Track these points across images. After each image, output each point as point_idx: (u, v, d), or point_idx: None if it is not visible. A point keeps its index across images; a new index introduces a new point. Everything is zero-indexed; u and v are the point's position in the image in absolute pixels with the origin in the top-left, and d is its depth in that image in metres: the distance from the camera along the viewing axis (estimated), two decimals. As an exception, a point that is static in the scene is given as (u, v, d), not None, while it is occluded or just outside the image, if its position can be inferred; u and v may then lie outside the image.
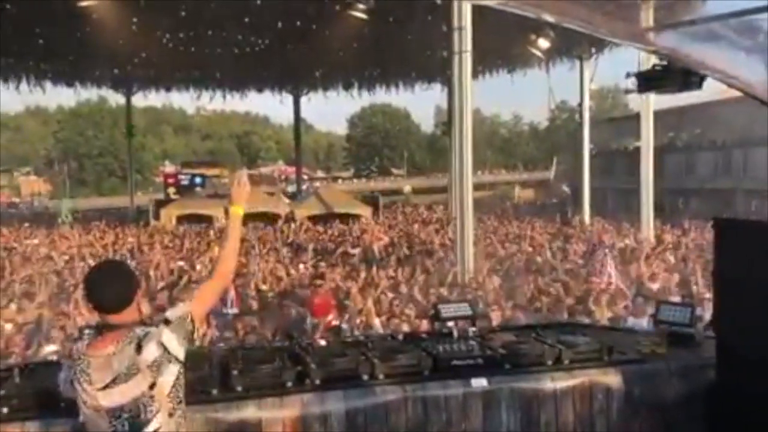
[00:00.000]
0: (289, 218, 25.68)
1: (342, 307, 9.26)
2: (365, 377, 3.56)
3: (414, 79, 33.25)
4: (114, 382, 2.52)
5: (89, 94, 38.82)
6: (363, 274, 11.80)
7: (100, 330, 2.62)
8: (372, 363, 3.59)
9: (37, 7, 18.24)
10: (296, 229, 21.78)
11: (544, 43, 21.59)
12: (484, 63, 25.51)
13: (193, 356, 3.78)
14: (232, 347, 4.29)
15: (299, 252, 15.58)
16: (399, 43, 23.73)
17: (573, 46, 24.37)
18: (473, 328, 4.23)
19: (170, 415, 2.60)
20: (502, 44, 22.33)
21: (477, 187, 17.91)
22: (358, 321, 8.37)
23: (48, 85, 30.07)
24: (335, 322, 8.36)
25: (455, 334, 4.12)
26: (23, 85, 28.98)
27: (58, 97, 77.99)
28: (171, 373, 2.59)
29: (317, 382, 3.49)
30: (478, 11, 12.78)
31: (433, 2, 17.40)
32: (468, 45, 12.84)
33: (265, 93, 35.50)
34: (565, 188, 34.99)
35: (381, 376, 3.57)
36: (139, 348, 2.53)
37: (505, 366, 3.76)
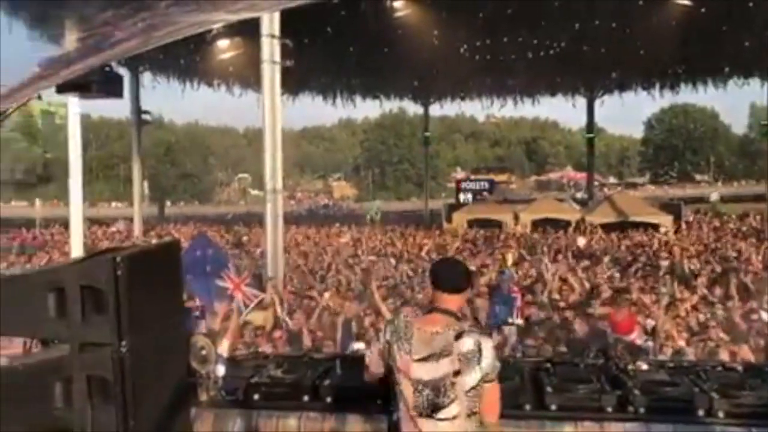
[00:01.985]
0: (580, 226, 24.70)
1: (644, 324, 8.47)
2: (701, 413, 3.08)
3: (726, 75, 29.70)
4: (429, 357, 2.76)
5: (391, 105, 42.01)
6: (666, 290, 10.74)
7: (431, 311, 2.90)
8: (710, 397, 3.09)
9: (352, 28, 20.10)
10: (588, 238, 20.86)
11: None
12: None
13: (503, 365, 3.67)
14: (540, 360, 4.07)
15: (592, 262, 14.78)
16: (710, 36, 21.37)
17: None
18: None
19: (468, 415, 2.74)
20: None
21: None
22: (664, 342, 7.55)
23: (358, 98, 33.20)
24: (638, 342, 7.67)
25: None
26: (338, 100, 32.46)
27: (365, 109, 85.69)
28: (474, 376, 2.73)
29: (641, 410, 3.12)
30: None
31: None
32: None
33: (558, 97, 34.75)
34: None
35: (721, 414, 3.06)
36: (458, 336, 2.75)
37: None
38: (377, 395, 3.21)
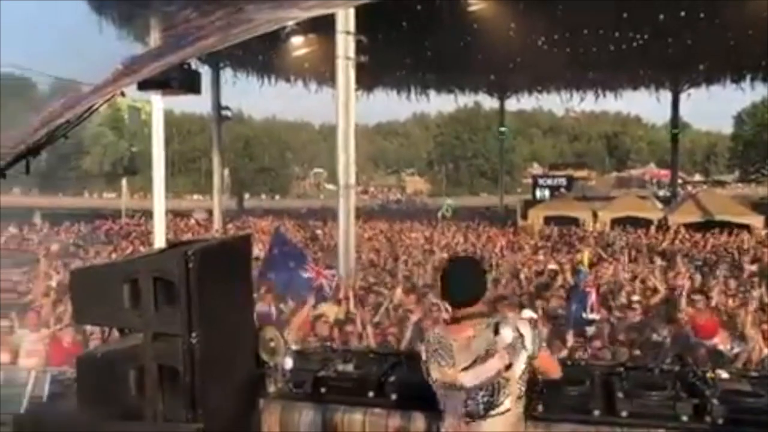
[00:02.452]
0: (662, 224, 23.80)
1: (729, 330, 8.07)
2: (786, 428, 2.91)
3: (824, 66, 27.93)
4: (474, 363, 2.73)
5: (466, 99, 41.62)
6: (756, 294, 10.20)
7: (456, 320, 2.86)
8: (798, 412, 2.91)
9: (427, 22, 20.02)
10: (671, 237, 20.07)
11: None
12: None
13: (572, 369, 3.58)
14: (612, 364, 3.93)
15: (673, 262, 14.21)
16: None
17: None
18: None
19: (518, 398, 2.77)
20: None
21: None
22: (751, 350, 7.18)
23: (432, 93, 33.08)
24: (720, 347, 7.32)
25: None
26: (412, 95, 32.46)
27: (439, 103, 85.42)
28: (522, 360, 2.75)
29: (719, 421, 2.96)
30: None
31: None
32: None
33: (640, 91, 33.55)
34: None
35: (806, 429, 2.88)
36: (496, 330, 2.74)
37: None
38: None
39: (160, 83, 4.77)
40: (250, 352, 3.16)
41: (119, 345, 2.64)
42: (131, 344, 2.54)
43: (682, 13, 20.32)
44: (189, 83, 5.07)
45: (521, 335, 2.74)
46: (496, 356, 2.71)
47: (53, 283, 10.83)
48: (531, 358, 2.77)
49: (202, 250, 2.51)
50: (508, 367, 2.72)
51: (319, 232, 21.74)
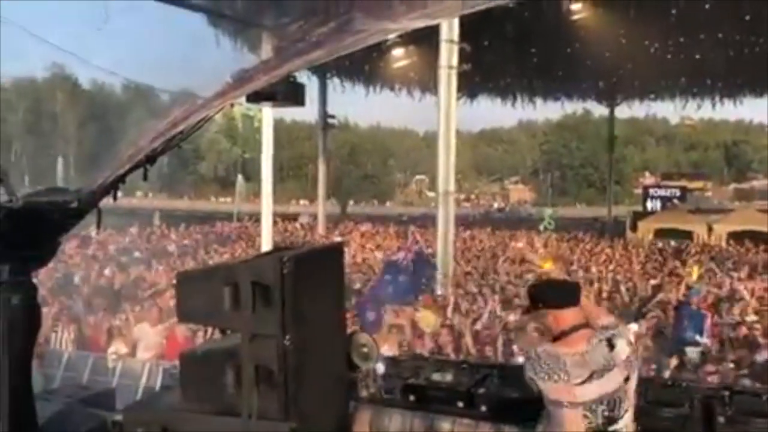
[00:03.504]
0: (786, 240, 22.18)
1: None
2: None
3: None
4: (591, 377, 2.69)
5: (574, 107, 40.57)
6: None
7: (566, 333, 2.82)
8: None
9: (533, 29, 19.74)
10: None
11: None
12: None
13: (672, 389, 3.45)
14: (717, 387, 3.75)
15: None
16: None
17: None
18: None
19: (632, 414, 2.75)
20: None
21: None
22: None
23: (539, 100, 32.47)
24: None
25: None
26: (518, 103, 31.98)
27: (546, 110, 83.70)
28: (636, 371, 2.77)
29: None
30: None
31: None
32: None
33: (764, 98, 31.45)
34: None
35: None
36: (611, 345, 2.72)
37: None
38: (534, 409, 3.15)
39: (267, 96, 4.98)
40: (342, 356, 3.26)
41: (220, 344, 2.80)
42: (230, 344, 2.70)
43: (812, 14, 18.91)
44: (294, 95, 5.27)
45: (633, 347, 2.78)
46: (615, 370, 2.70)
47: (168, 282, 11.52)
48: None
49: (296, 257, 2.63)
50: (627, 379, 2.72)
51: (418, 238, 21.82)
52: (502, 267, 14.53)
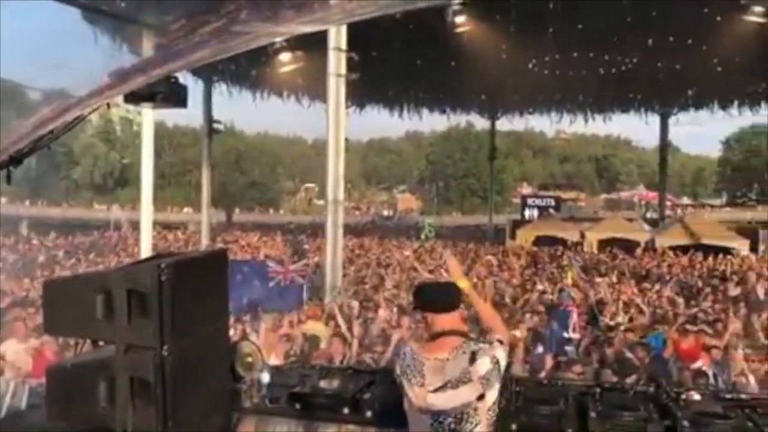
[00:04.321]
0: (649, 247, 23.96)
1: (711, 351, 8.12)
2: (752, 451, 2.94)
3: (808, 95, 28.34)
4: (445, 386, 2.68)
5: (459, 119, 41.89)
6: (740, 317, 10.29)
7: (434, 337, 2.83)
8: (763, 433, 2.95)
9: (420, 41, 20.19)
10: (657, 260, 20.20)
11: None
12: None
13: (547, 388, 3.60)
14: (588, 384, 3.95)
15: (660, 285, 14.29)
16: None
17: None
18: None
19: (489, 425, 2.72)
20: None
21: None
22: (736, 373, 7.23)
23: (425, 112, 33.24)
24: (705, 370, 7.36)
25: None
26: (405, 113, 32.57)
27: (432, 122, 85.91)
28: (496, 390, 2.72)
29: (688, 443, 2.99)
30: None
31: None
32: None
33: (630, 114, 33.88)
34: None
35: (774, 455, 2.91)
36: (473, 360, 2.69)
37: None
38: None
39: (146, 96, 4.76)
40: (225, 366, 3.16)
41: (91, 356, 2.63)
42: (103, 355, 2.54)
43: (671, 38, 20.60)
44: (175, 96, 5.05)
45: (498, 365, 2.71)
46: (468, 385, 2.67)
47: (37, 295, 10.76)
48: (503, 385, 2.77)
49: (175, 263, 2.51)
50: (480, 397, 2.68)
51: (306, 247, 21.74)
52: (390, 275, 14.67)
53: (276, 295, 10.59)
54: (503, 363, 2.74)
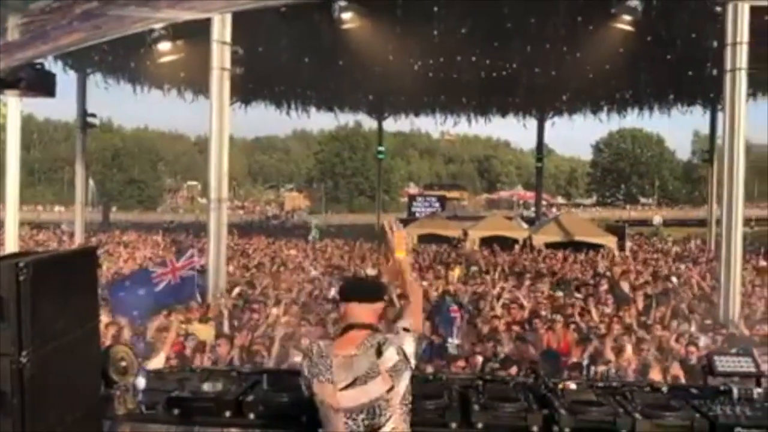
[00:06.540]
0: (527, 244, 25.06)
1: (584, 343, 8.58)
2: (623, 433, 3.09)
3: (671, 101, 30.62)
4: (354, 383, 2.65)
5: (347, 119, 42.06)
6: (608, 310, 10.95)
7: (345, 330, 2.79)
8: (633, 418, 3.11)
9: (306, 38, 20.00)
10: (534, 256, 21.18)
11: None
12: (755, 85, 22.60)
13: (432, 383, 3.64)
14: (471, 377, 4.04)
15: (536, 280, 14.97)
16: (657, 63, 22.10)
17: None
18: (759, 389, 3.50)
19: (403, 415, 2.72)
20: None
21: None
22: (605, 362, 7.65)
23: (312, 110, 32.98)
24: (577, 361, 7.75)
25: (735, 393, 3.44)
26: (292, 111, 32.15)
27: (320, 121, 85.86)
28: (406, 379, 2.71)
29: (566, 430, 3.11)
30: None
31: (700, 18, 15.91)
32: (743, 61, 11.39)
33: (509, 117, 35.22)
34: None
35: (643, 435, 3.08)
36: (379, 352, 2.66)
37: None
38: (303, 412, 3.13)
39: (8, 83, 4.38)
40: (95, 372, 2.95)
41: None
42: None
43: (547, 46, 21.59)
44: (42, 84, 4.66)
45: (405, 355, 2.69)
46: (378, 379, 2.64)
47: None
48: (413, 371, 2.75)
49: (36, 262, 2.30)
50: (390, 389, 2.66)
51: (191, 245, 20.98)
52: (279, 275, 14.44)
53: (169, 295, 10.17)
54: (410, 350, 2.71)
